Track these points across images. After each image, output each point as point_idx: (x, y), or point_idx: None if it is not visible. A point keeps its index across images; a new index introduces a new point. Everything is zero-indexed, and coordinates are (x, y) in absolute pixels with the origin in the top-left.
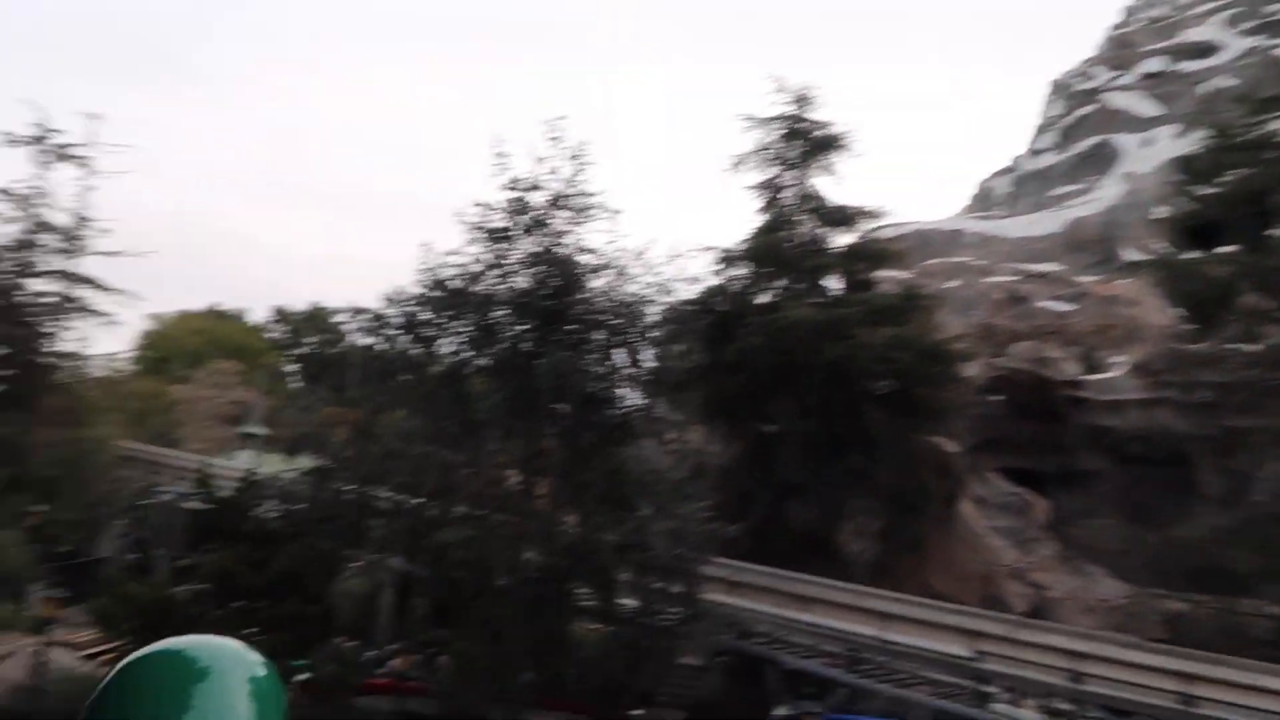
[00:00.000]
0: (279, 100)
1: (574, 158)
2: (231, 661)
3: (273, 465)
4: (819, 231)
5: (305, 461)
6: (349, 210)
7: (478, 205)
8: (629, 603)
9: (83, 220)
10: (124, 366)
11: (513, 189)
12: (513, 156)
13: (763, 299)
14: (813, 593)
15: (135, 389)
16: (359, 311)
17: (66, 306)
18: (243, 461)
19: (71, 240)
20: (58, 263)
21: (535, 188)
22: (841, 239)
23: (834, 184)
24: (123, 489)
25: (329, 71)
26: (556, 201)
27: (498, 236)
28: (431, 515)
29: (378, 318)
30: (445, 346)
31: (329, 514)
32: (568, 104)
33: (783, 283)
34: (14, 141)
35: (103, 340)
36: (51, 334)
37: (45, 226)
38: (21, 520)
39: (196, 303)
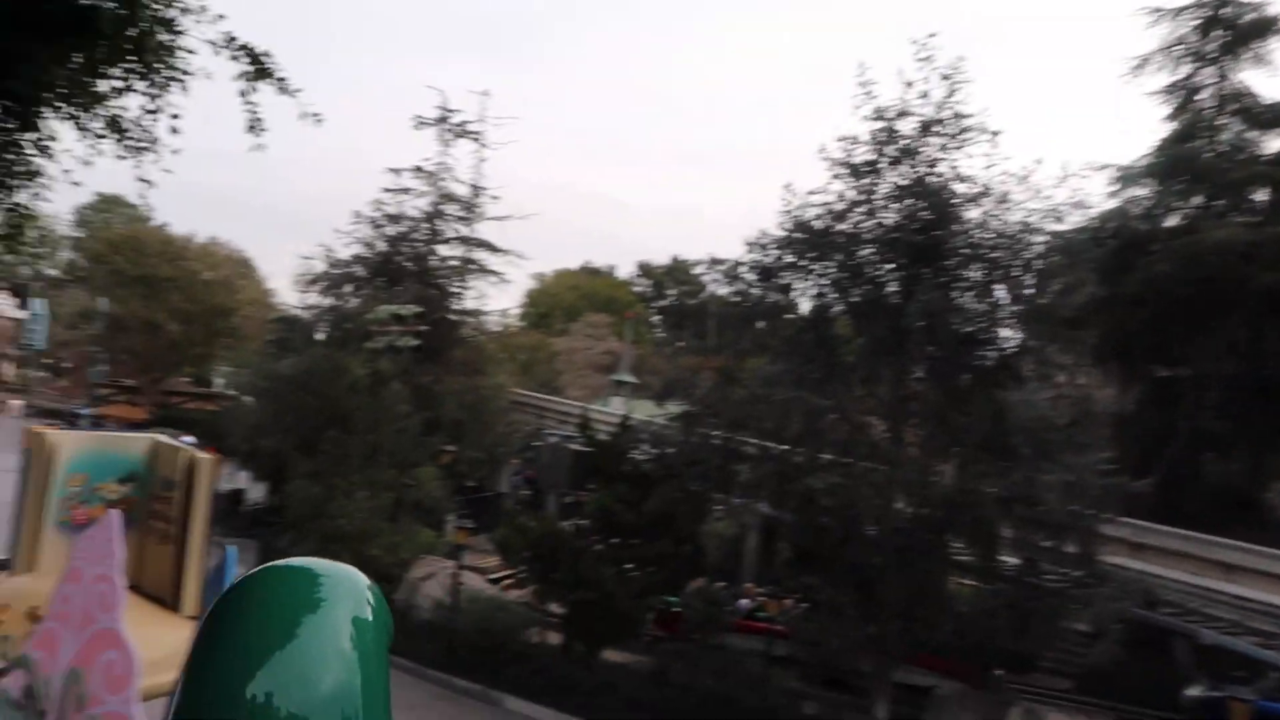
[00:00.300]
0: (639, 66)
1: (946, 78)
2: (344, 581)
3: (643, 411)
4: (1246, 136)
5: (673, 408)
6: (710, 165)
7: (841, 140)
8: (1010, 560)
9: (478, 190)
10: (512, 321)
11: (879, 118)
12: (878, 84)
13: (1172, 221)
14: (1238, 560)
15: (522, 341)
16: (717, 262)
17: (467, 268)
18: (615, 407)
19: (470, 209)
20: (459, 229)
21: (904, 114)
22: (1276, 143)
23: (1265, 77)
24: (516, 431)
25: (683, 32)
26: (927, 127)
27: (863, 171)
28: (797, 461)
29: (735, 266)
30: (808, 290)
31: (696, 458)
32: (937, 20)
33: (1198, 200)
34: (422, 123)
35: (495, 298)
36: (456, 294)
37: (449, 198)
38: (437, 458)
39: (572, 262)
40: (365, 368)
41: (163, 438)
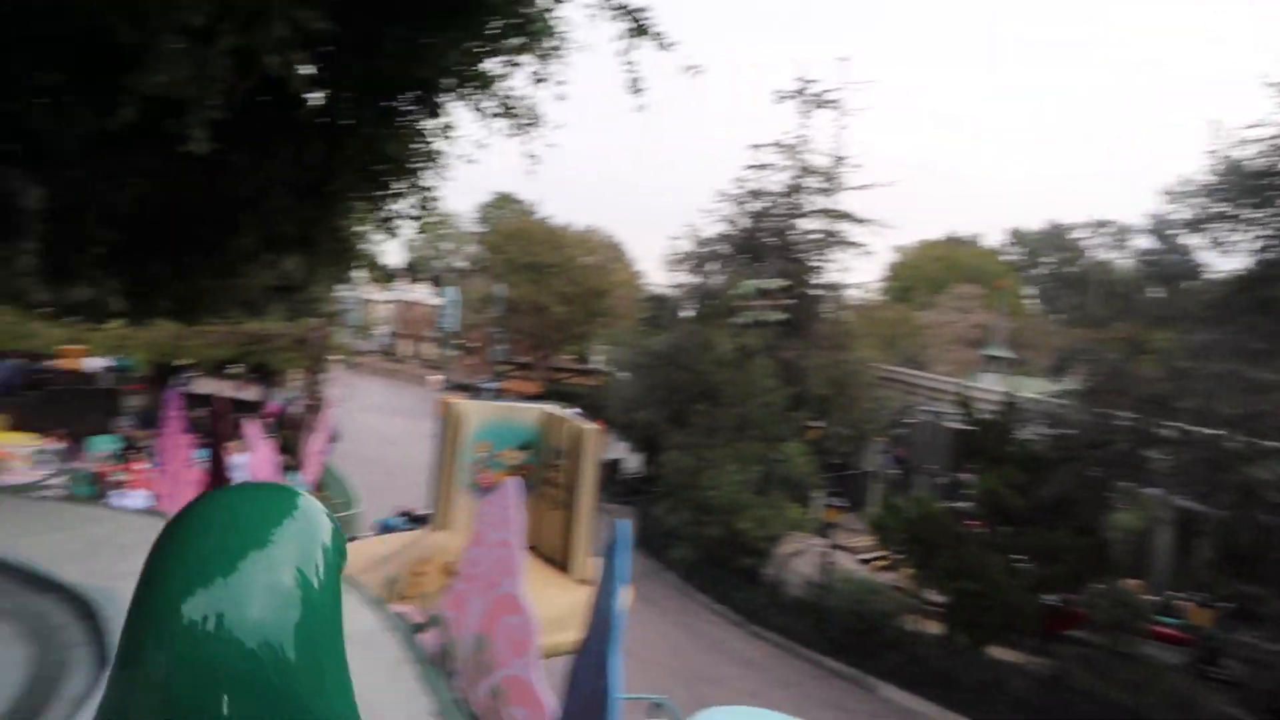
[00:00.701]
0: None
1: None
2: (295, 508)
3: (1021, 387)
4: None
5: (1058, 384)
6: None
7: None
8: None
9: (838, 160)
10: (874, 294)
11: None
12: None
13: None
14: None
15: (885, 315)
16: (1102, 224)
17: (829, 241)
18: (988, 383)
19: (830, 180)
20: (820, 201)
21: None
22: None
23: None
24: (882, 408)
25: None
26: None
27: None
28: (1232, 447)
29: (1122, 229)
30: (1243, 244)
31: (1099, 440)
32: None
33: None
34: (782, 97)
35: (857, 270)
36: (818, 267)
37: (809, 170)
38: (804, 433)
39: (934, 232)
40: (732, 342)
41: (552, 409)
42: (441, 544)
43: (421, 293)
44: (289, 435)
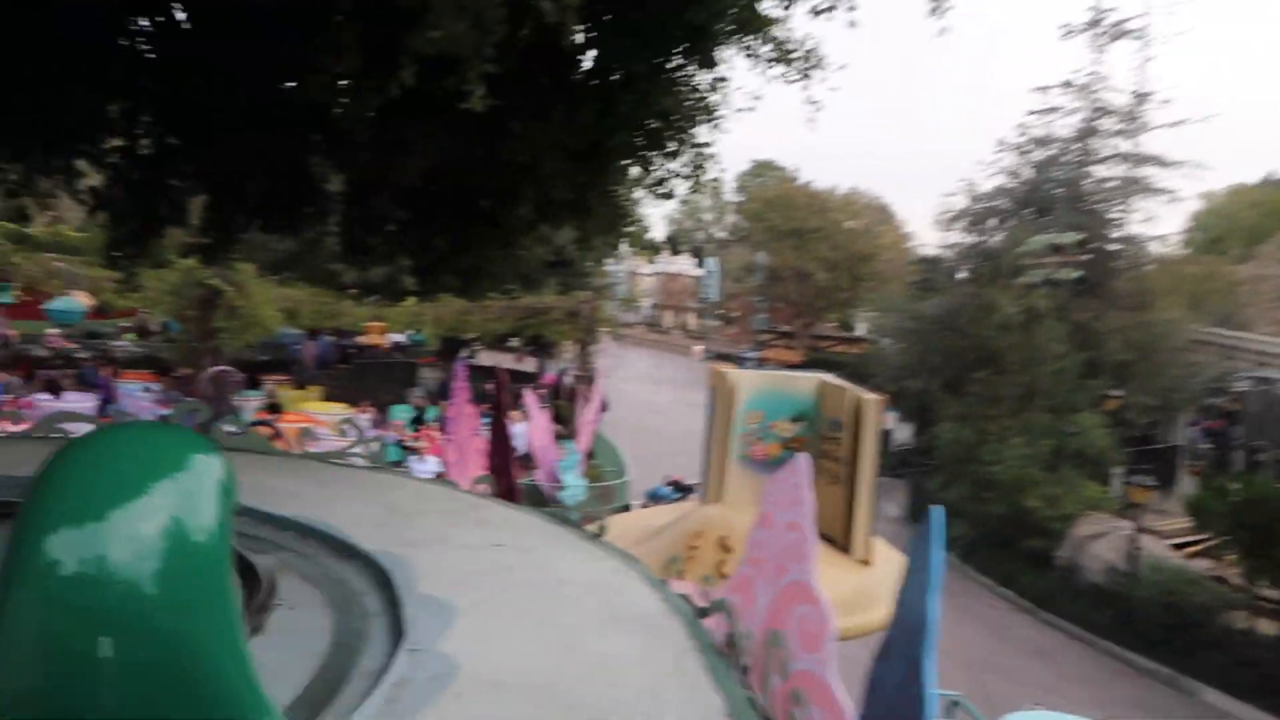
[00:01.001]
0: None
1: None
2: (183, 451)
3: None
4: None
5: None
6: None
7: None
8: None
9: (1140, 97)
10: (1177, 246)
11: None
12: None
13: None
14: None
15: (1192, 270)
16: None
17: (1130, 189)
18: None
19: (1130, 120)
20: (1119, 145)
21: None
22: None
23: None
24: (1194, 375)
25: None
26: None
27: None
28: None
29: None
30: None
31: None
32: None
33: None
34: (1069, 32)
35: (1161, 220)
36: (1116, 218)
37: (1104, 111)
38: (1102, 403)
39: (1248, 175)
40: (1017, 304)
41: (829, 378)
42: (715, 518)
43: (683, 264)
44: (563, 405)
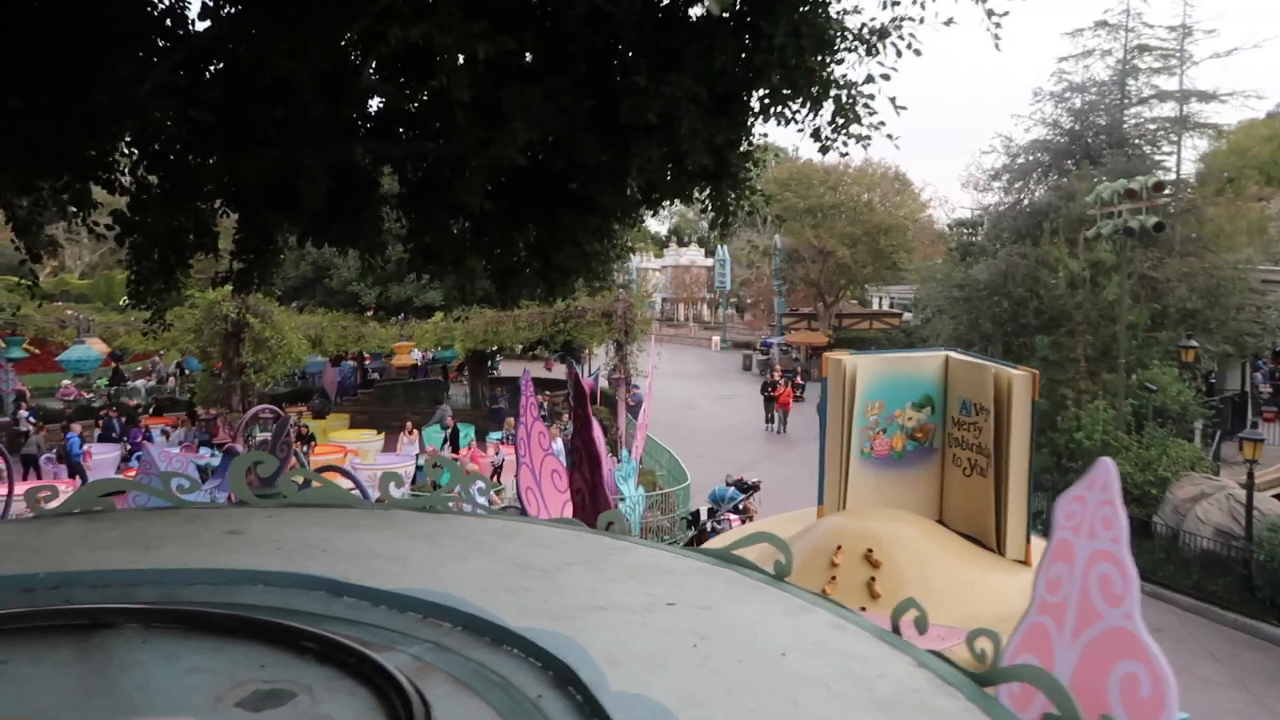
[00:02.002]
0: None
1: None
2: None
3: None
4: None
5: None
6: None
7: None
8: None
9: (1184, 31)
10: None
11: None
12: None
13: None
14: None
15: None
16: None
17: (1180, 127)
18: None
19: (1172, 56)
20: (1162, 83)
21: None
22: None
23: None
24: (1266, 316)
25: None
26: None
27: None
28: None
29: None
30: None
31: None
32: None
33: None
34: None
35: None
36: (1163, 160)
37: (1143, 49)
38: (1177, 357)
39: (1258, 110)
40: (1082, 259)
41: (958, 354)
42: (851, 528)
43: (692, 255)
44: (603, 412)
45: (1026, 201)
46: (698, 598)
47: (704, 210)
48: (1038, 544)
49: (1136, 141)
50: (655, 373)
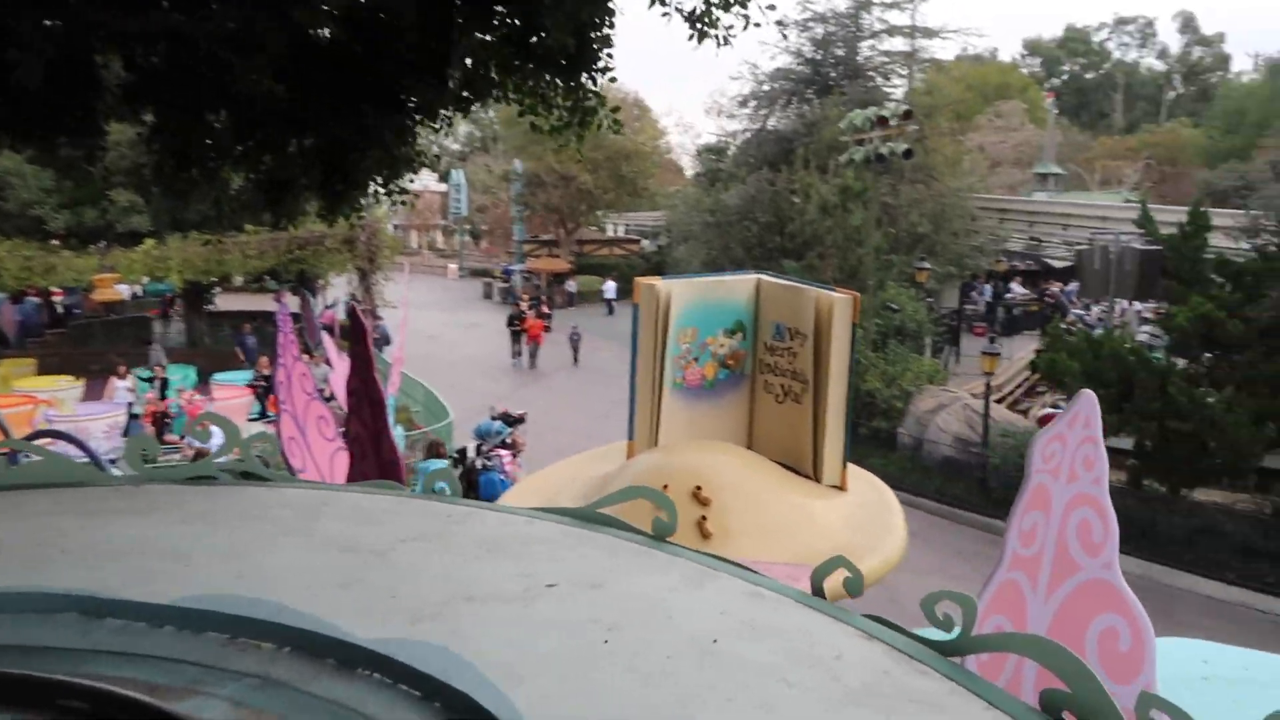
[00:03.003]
0: None
1: None
2: None
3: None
4: None
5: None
6: None
7: None
8: None
9: None
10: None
11: None
12: None
13: None
14: None
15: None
16: (1124, 21)
17: (908, 60)
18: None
19: None
20: (892, 17)
21: None
22: None
23: None
24: (987, 240)
25: None
26: None
27: None
28: None
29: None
30: None
31: None
32: None
33: None
34: None
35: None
36: (890, 93)
37: None
38: (912, 278)
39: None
40: (832, 185)
41: (771, 277)
42: (673, 464)
43: (424, 179)
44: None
45: (773, 128)
46: (580, 574)
47: (536, 110)
48: (853, 470)
49: (870, 73)
50: (407, 304)
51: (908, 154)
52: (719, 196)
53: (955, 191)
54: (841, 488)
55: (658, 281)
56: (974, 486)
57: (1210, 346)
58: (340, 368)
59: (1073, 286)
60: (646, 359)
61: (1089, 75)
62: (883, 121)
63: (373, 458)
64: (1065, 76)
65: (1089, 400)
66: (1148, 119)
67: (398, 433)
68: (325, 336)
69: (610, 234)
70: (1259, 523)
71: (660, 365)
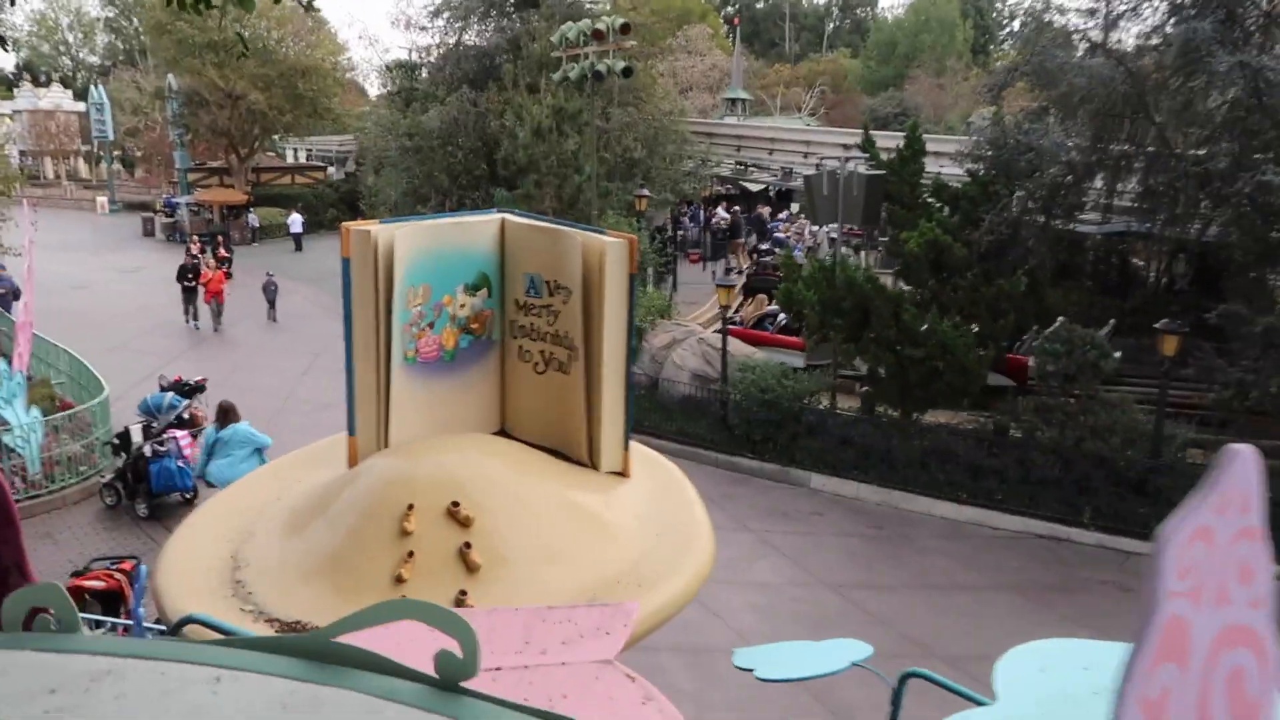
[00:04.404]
0: None
1: None
2: None
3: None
4: None
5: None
6: None
7: None
8: None
9: None
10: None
11: None
12: None
13: None
14: None
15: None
16: None
17: None
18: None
19: None
20: None
21: None
22: None
23: None
24: (698, 165)
25: None
26: None
27: None
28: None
29: None
30: None
31: (1038, 167)
32: None
33: None
34: None
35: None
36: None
37: None
38: (631, 206)
39: None
40: (545, 107)
41: (517, 217)
42: (411, 475)
43: (56, 97)
44: None
45: (472, 43)
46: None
47: None
48: (636, 450)
49: None
50: (33, 248)
51: (627, 72)
52: (416, 118)
53: (667, 115)
54: (624, 474)
55: (373, 226)
56: (716, 425)
57: (936, 271)
58: None
59: (784, 215)
60: (365, 329)
61: (760, 4)
62: (599, 35)
63: None
64: (738, 5)
65: (1245, 461)
66: (812, 49)
67: (34, 417)
68: None
69: (291, 161)
70: (981, 441)
71: (385, 336)
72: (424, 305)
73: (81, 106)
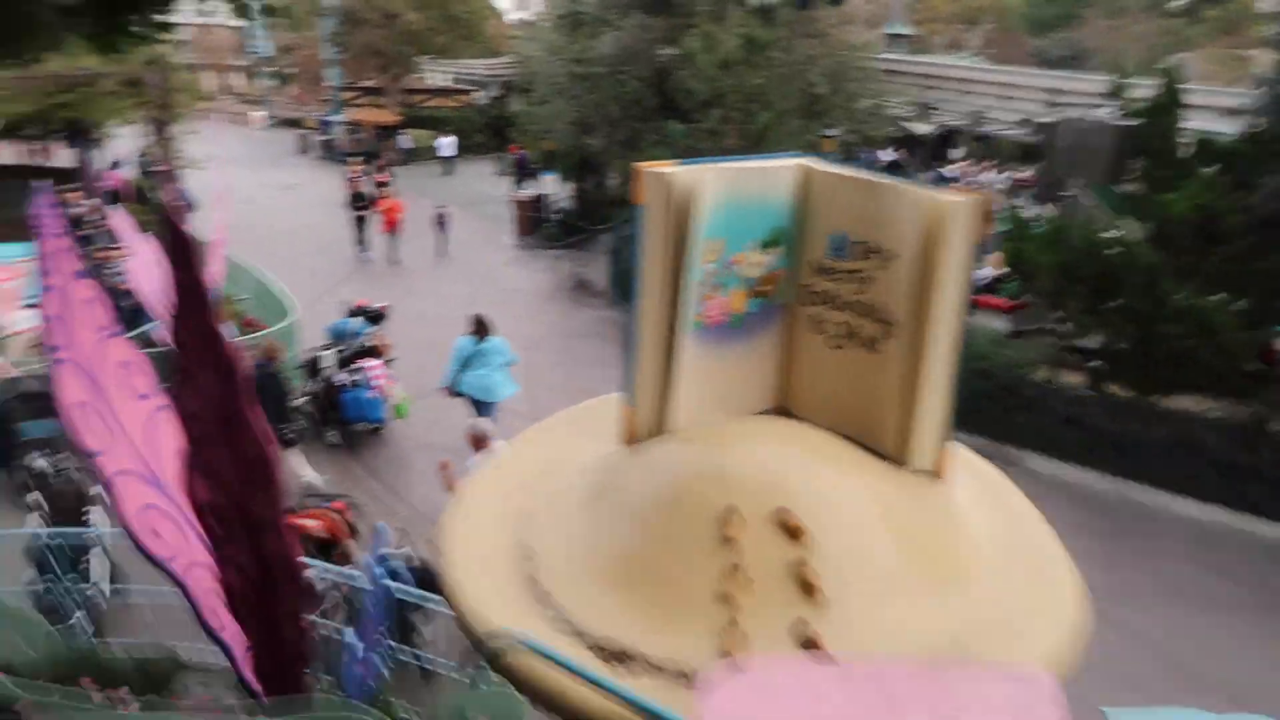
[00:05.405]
0: None
1: None
2: None
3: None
4: None
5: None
6: None
7: None
8: None
9: None
10: None
11: None
12: None
13: None
14: None
15: None
16: None
17: None
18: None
19: None
20: None
21: None
22: None
23: None
24: (885, 106)
25: None
26: None
27: None
28: None
29: None
30: None
31: None
32: None
33: None
34: None
35: None
36: None
37: None
38: (819, 145)
39: None
40: (734, 36)
41: (822, 165)
42: (730, 470)
43: (216, 13)
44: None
45: None
46: None
47: None
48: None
49: None
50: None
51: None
52: (586, 43)
53: (853, 48)
54: (938, 474)
55: (676, 170)
56: None
57: (1201, 240)
58: (143, 255)
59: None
60: (657, 286)
61: None
62: None
63: (224, 439)
64: None
65: None
66: None
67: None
68: (116, 216)
69: (431, 84)
70: (1238, 434)
71: (678, 296)
72: (716, 263)
73: (240, 23)
